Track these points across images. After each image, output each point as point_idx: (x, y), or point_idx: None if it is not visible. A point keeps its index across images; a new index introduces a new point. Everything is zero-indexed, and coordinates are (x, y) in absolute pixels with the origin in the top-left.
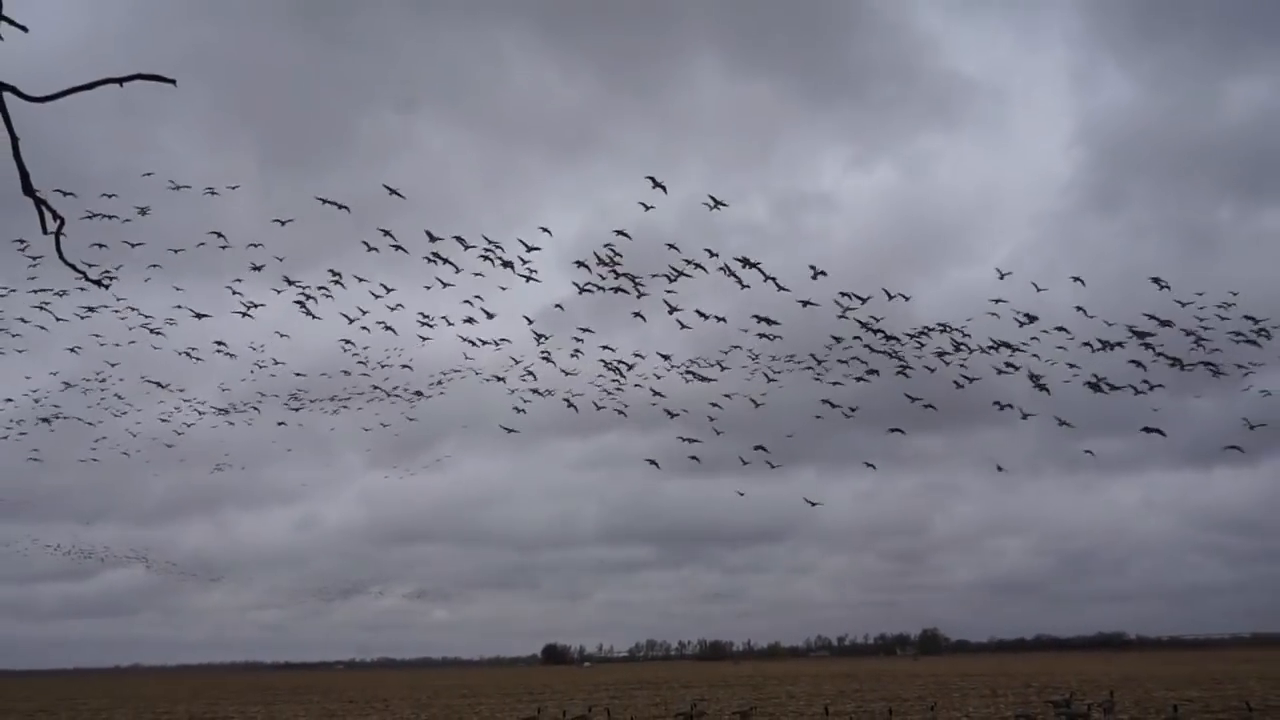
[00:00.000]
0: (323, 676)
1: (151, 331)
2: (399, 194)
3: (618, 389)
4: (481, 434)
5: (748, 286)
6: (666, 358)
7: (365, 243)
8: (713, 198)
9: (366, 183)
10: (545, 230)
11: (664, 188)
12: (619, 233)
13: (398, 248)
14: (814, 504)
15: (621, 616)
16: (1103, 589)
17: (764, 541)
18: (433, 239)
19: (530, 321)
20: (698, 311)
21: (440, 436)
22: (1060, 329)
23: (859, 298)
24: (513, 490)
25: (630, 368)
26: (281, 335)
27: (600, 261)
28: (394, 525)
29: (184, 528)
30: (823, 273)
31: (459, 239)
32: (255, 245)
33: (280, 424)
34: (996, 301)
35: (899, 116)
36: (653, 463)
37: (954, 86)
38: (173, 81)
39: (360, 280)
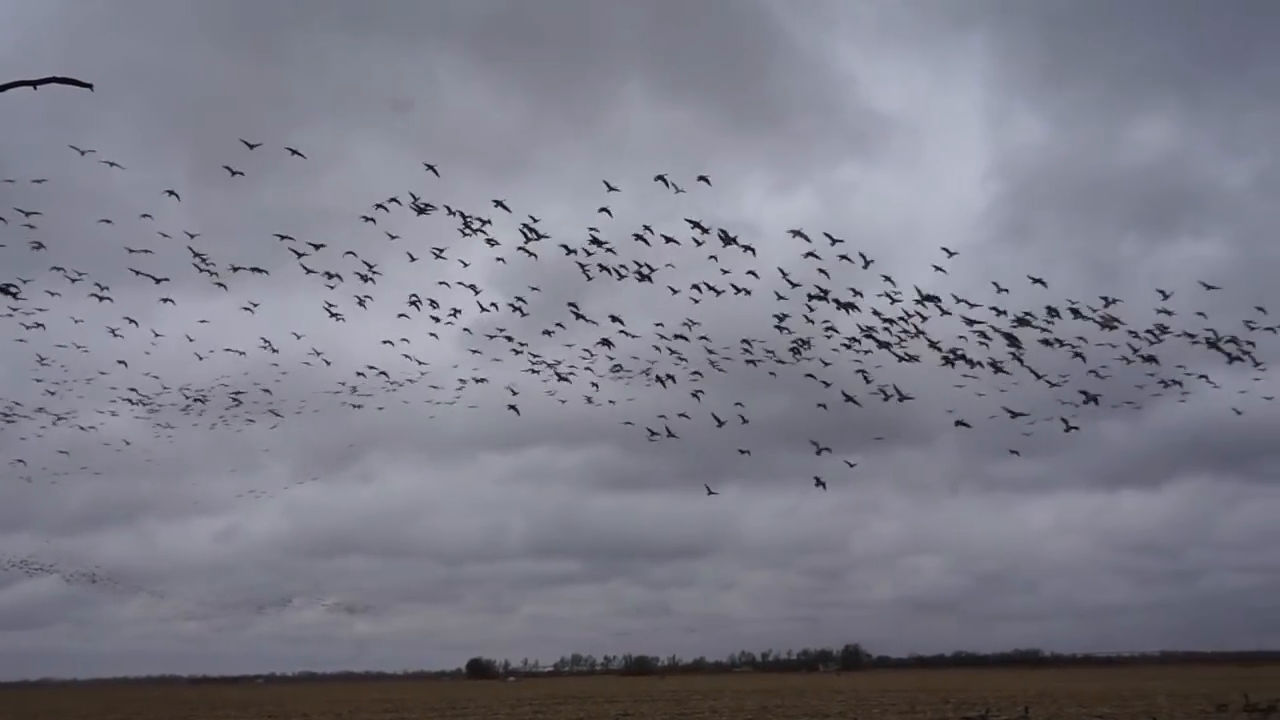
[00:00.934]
0: (242, 690)
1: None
2: (435, 170)
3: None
4: (409, 447)
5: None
6: (659, 325)
7: (364, 216)
8: (703, 178)
9: (298, 198)
10: (533, 219)
11: (676, 187)
12: (603, 211)
13: (380, 208)
14: (821, 483)
15: (547, 630)
16: (1018, 607)
17: (688, 557)
18: (420, 210)
19: (521, 301)
20: (695, 286)
21: (368, 448)
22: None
23: (807, 241)
24: (439, 503)
25: (610, 344)
26: (202, 321)
27: (593, 241)
28: (319, 537)
29: (102, 538)
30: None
31: (446, 208)
32: (199, 254)
33: (224, 412)
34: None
35: (819, 148)
36: (653, 432)
37: (872, 121)
38: (89, 86)
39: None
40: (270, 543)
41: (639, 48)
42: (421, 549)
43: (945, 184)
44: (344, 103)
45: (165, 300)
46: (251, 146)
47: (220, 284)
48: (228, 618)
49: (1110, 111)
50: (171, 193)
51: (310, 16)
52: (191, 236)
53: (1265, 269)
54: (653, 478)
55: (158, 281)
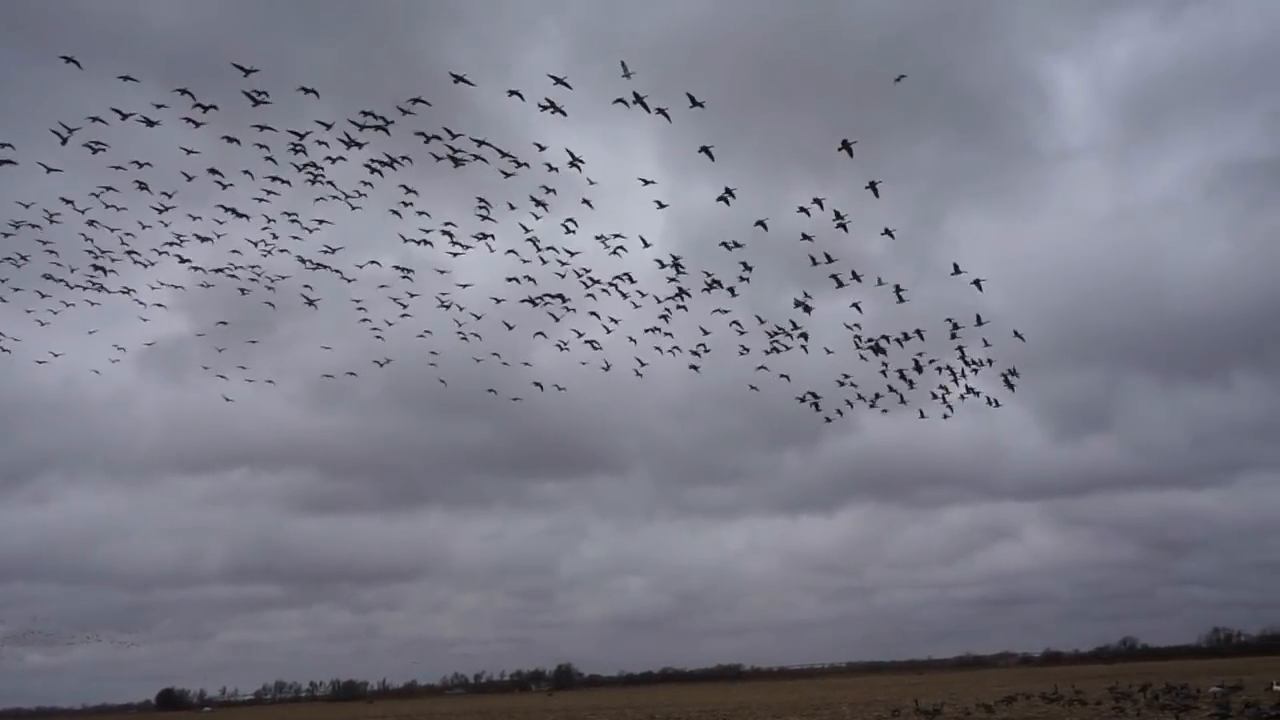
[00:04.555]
0: None
1: None
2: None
3: None
4: (92, 468)
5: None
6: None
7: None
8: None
9: None
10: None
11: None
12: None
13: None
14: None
15: (247, 657)
16: (719, 624)
17: (396, 580)
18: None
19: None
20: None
21: (44, 468)
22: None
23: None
24: (126, 526)
25: None
26: None
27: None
28: None
29: None
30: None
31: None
32: None
33: None
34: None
35: (508, 197)
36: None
37: (559, 178)
38: None
39: None
40: None
41: (331, 89)
42: (105, 575)
43: (627, 243)
44: (23, 123)
45: None
46: None
47: None
48: None
49: (763, 185)
50: None
51: None
52: None
53: (904, 319)
54: (355, 501)
55: None
